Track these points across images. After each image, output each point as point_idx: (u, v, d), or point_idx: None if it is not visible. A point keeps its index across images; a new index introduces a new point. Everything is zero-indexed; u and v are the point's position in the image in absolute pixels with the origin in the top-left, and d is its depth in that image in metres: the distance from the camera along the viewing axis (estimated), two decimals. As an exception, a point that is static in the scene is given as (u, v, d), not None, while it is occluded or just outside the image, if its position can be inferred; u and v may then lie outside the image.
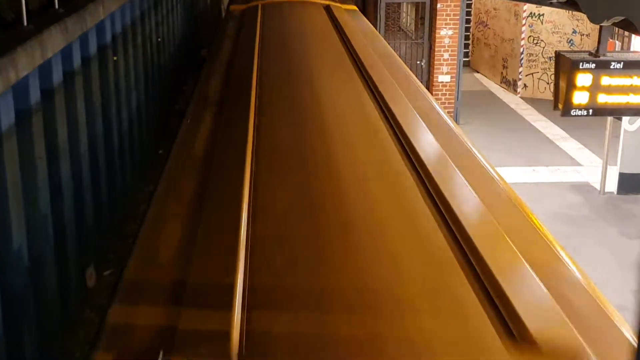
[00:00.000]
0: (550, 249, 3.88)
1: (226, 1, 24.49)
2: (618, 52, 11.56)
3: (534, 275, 3.36)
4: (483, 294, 3.23)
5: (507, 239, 3.73)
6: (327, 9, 11.52)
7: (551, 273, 3.58)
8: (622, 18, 2.60)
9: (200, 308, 3.14)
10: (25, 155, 8.88)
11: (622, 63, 7.87)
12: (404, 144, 5.20)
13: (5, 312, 8.03)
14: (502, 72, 19.27)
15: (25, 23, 9.63)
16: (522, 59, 18.32)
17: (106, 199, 12.49)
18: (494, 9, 19.53)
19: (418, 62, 15.92)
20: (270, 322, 3.08)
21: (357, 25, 10.48)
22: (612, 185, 12.13)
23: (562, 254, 3.84)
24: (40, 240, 9.11)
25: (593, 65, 7.86)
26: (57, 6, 11.03)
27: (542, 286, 3.26)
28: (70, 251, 10.24)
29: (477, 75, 20.45)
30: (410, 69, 9.16)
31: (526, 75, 18.41)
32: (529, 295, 3.22)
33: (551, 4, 4.68)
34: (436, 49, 15.63)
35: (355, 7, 12.60)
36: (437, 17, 15.44)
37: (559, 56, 8.26)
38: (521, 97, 18.24)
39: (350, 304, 3.20)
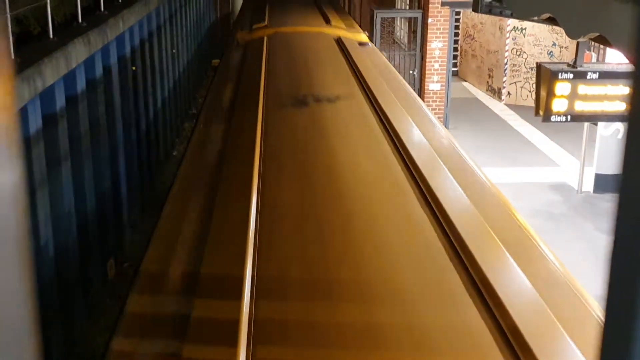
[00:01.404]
0: (532, 243, 3.89)
1: (236, 15, 24.45)
2: (594, 63, 11.56)
3: (517, 267, 3.36)
4: (471, 284, 3.24)
5: (492, 233, 3.73)
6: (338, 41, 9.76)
7: (533, 265, 3.58)
8: (597, 34, 2.61)
9: (211, 298, 3.14)
10: (52, 157, 8.90)
11: (597, 73, 7.87)
12: (399, 148, 5.21)
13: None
14: (487, 81, 19.26)
15: (51, 36, 9.65)
16: (506, 69, 18.32)
17: (125, 196, 12.51)
18: (480, 23, 19.53)
19: (411, 72, 15.91)
20: (277, 311, 3.08)
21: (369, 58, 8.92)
22: (588, 185, 12.12)
23: (543, 246, 3.85)
24: (65, 235, 9.13)
25: (571, 76, 7.86)
26: (80, 20, 11.05)
27: (525, 277, 3.27)
28: (92, 245, 10.26)
29: (465, 84, 20.44)
30: (404, 78, 9.15)
31: (510, 84, 18.40)
32: (512, 285, 3.22)
33: (533, 20, 4.69)
34: (427, 60, 15.62)
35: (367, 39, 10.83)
36: (428, 31, 15.44)
37: (539, 67, 8.26)
38: (505, 104, 18.22)
39: (351, 294, 3.21)
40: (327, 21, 11.37)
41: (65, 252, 9.08)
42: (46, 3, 9.63)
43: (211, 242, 3.70)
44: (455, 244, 3.59)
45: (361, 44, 10.07)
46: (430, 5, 15.28)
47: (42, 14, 9.88)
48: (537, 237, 4.00)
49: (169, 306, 3.20)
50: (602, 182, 12.01)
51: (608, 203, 11.68)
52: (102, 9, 12.42)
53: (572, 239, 10.38)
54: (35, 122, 8.40)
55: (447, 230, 3.77)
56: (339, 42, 9.68)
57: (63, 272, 8.98)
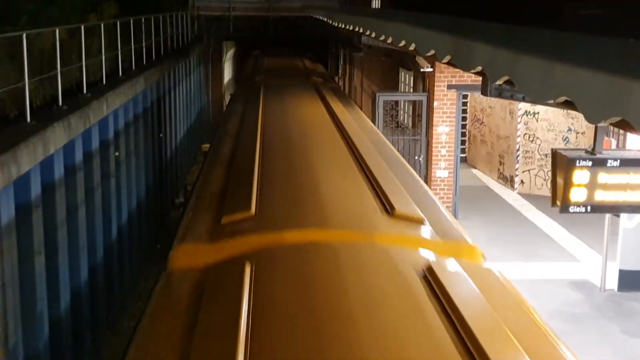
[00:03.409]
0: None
1: (228, 98, 24.83)
2: (614, 150, 11.68)
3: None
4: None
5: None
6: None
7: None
8: (619, 118, 2.63)
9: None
10: (24, 250, 8.85)
11: (618, 161, 7.92)
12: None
13: (-4, 411, 7.83)
14: (499, 168, 19.41)
15: (28, 120, 9.76)
16: (518, 155, 18.49)
17: (103, 293, 12.37)
18: (489, 107, 19.83)
19: (416, 158, 16.05)
20: None
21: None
22: (612, 282, 12.02)
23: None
24: (35, 336, 8.98)
25: (590, 163, 7.90)
26: (60, 103, 11.21)
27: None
28: (65, 347, 10.08)
29: (474, 171, 20.59)
30: (408, 164, 9.23)
31: (523, 172, 18.53)
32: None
33: (547, 104, 4.74)
34: (433, 145, 15.79)
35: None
36: (434, 115, 15.67)
37: (555, 153, 8.32)
38: (518, 193, 18.30)
39: None
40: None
41: (35, 355, 8.91)
42: (24, 85, 9.79)
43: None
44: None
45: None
46: (435, 88, 15.55)
47: (20, 96, 10.03)
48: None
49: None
50: (627, 279, 11.92)
51: (634, 302, 11.57)
52: (85, 91, 12.62)
53: (597, 342, 10.22)
54: (8, 212, 8.39)
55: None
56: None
57: (32, 379, 8.78)
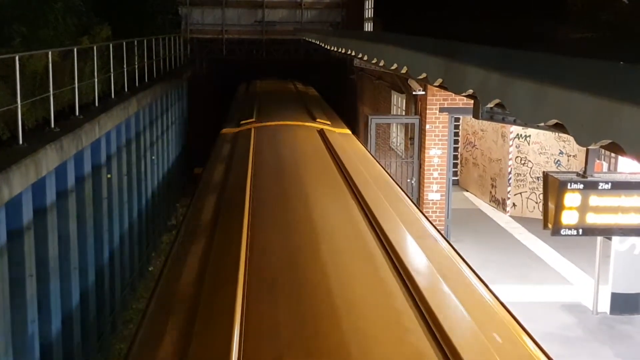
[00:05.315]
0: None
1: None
2: (605, 172, 11.71)
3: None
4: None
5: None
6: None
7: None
8: (610, 141, 2.64)
9: None
10: (16, 273, 8.79)
11: (610, 183, 7.94)
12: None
13: None
14: (490, 191, 19.44)
15: (20, 142, 9.75)
16: (510, 178, 18.53)
17: (94, 317, 12.29)
18: (481, 130, 19.90)
19: (408, 180, 16.07)
20: None
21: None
22: (604, 305, 12.01)
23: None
24: (26, 359, 8.91)
25: (581, 186, 7.92)
26: (53, 125, 11.20)
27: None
28: (55, 371, 10.00)
29: (466, 194, 20.61)
30: (401, 187, 9.25)
31: (515, 195, 18.56)
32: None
33: (538, 127, 4.76)
34: (426, 168, 15.82)
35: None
36: (426, 138, 15.71)
37: (547, 176, 8.34)
38: (510, 216, 18.32)
39: None
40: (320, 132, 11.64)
41: (24, 379, 8.84)
42: (17, 107, 9.79)
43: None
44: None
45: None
46: (427, 111, 15.60)
47: (12, 118, 10.01)
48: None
49: None
50: (619, 302, 11.90)
51: (627, 325, 11.55)
52: (77, 113, 12.62)
53: (590, 366, 10.19)
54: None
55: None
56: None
57: (21, 403, 8.70)
